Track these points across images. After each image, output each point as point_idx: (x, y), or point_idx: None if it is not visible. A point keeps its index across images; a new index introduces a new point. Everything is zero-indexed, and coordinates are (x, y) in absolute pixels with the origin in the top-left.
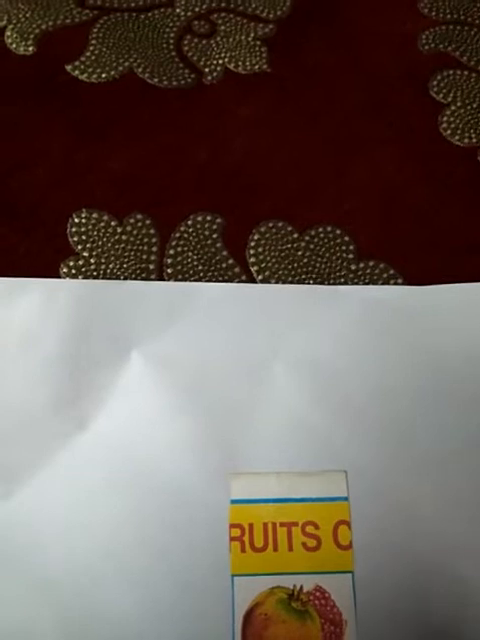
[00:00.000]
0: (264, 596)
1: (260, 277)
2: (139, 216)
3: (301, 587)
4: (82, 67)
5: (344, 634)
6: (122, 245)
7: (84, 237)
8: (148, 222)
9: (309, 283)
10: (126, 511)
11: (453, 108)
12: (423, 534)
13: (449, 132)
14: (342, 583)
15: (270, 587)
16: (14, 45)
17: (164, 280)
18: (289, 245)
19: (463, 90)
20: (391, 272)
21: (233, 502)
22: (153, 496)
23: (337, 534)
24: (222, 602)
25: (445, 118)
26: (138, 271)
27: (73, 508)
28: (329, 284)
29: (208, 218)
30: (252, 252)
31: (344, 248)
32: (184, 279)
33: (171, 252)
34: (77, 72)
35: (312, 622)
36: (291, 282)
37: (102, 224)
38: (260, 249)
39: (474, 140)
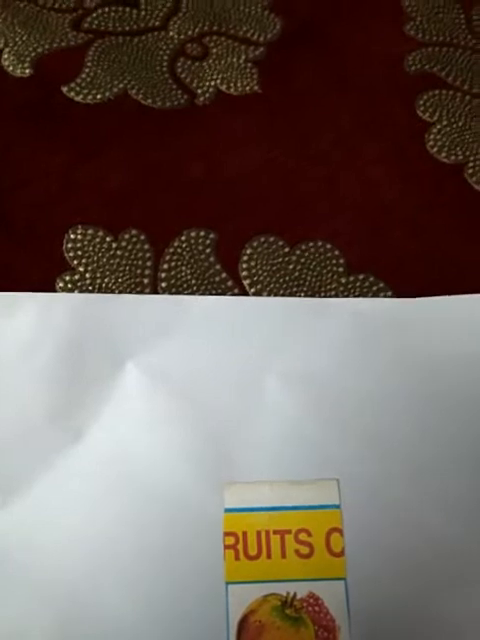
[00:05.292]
0: (258, 603)
1: (252, 290)
2: (134, 232)
3: (294, 594)
4: (78, 88)
5: None
6: (117, 260)
7: (80, 252)
8: (142, 237)
9: (300, 296)
10: (121, 520)
11: (439, 126)
12: (415, 541)
13: (436, 150)
14: (335, 590)
15: (264, 594)
16: (11, 67)
17: (158, 294)
18: (280, 259)
19: (449, 109)
20: (380, 285)
21: (227, 511)
22: (148, 506)
23: (329, 541)
24: (217, 609)
25: (432, 136)
26: (133, 285)
27: (69, 517)
28: (320, 297)
29: (201, 233)
30: (244, 266)
31: (334, 262)
32: (178, 293)
33: (165, 267)
34: (73, 93)
35: (306, 629)
36: (282, 295)
37: (97, 240)
38: (252, 263)
39: (460, 157)
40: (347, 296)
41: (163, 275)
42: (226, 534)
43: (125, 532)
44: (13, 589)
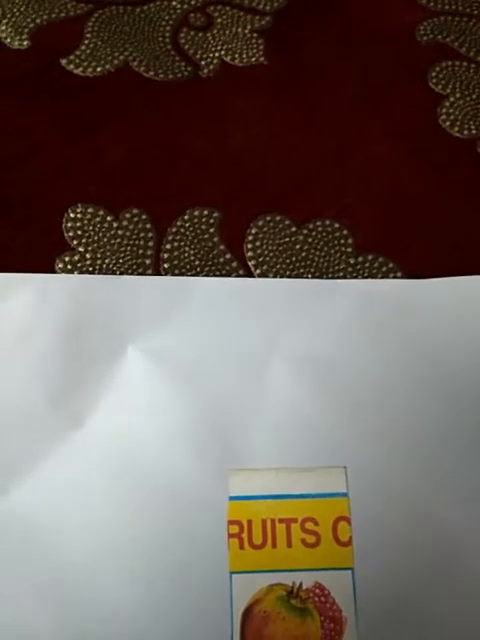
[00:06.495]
0: (263, 593)
1: (258, 271)
2: (135, 211)
3: (300, 584)
4: (77, 61)
5: (344, 631)
6: (118, 240)
7: (79, 232)
8: (144, 216)
9: (307, 277)
10: (123, 508)
11: (452, 99)
12: (423, 530)
13: (448, 124)
14: (342, 580)
15: (269, 584)
16: (8, 39)
17: (161, 275)
18: (287, 239)
19: (462, 81)
20: (390, 265)
21: (231, 499)
22: (151, 492)
23: (337, 530)
24: (220, 599)
25: (444, 110)
26: (134, 266)
27: (70, 504)
28: (327, 278)
29: (205, 212)
30: (250, 246)
31: (342, 242)
32: (181, 274)
33: (168, 247)
34: (72, 66)
35: (312, 619)
36: (289, 276)
37: (98, 219)
38: (258, 243)
39: (474, 131)
40: (356, 277)
41: (166, 256)
42: (230, 522)
43: (127, 519)
44: (13, 575)
